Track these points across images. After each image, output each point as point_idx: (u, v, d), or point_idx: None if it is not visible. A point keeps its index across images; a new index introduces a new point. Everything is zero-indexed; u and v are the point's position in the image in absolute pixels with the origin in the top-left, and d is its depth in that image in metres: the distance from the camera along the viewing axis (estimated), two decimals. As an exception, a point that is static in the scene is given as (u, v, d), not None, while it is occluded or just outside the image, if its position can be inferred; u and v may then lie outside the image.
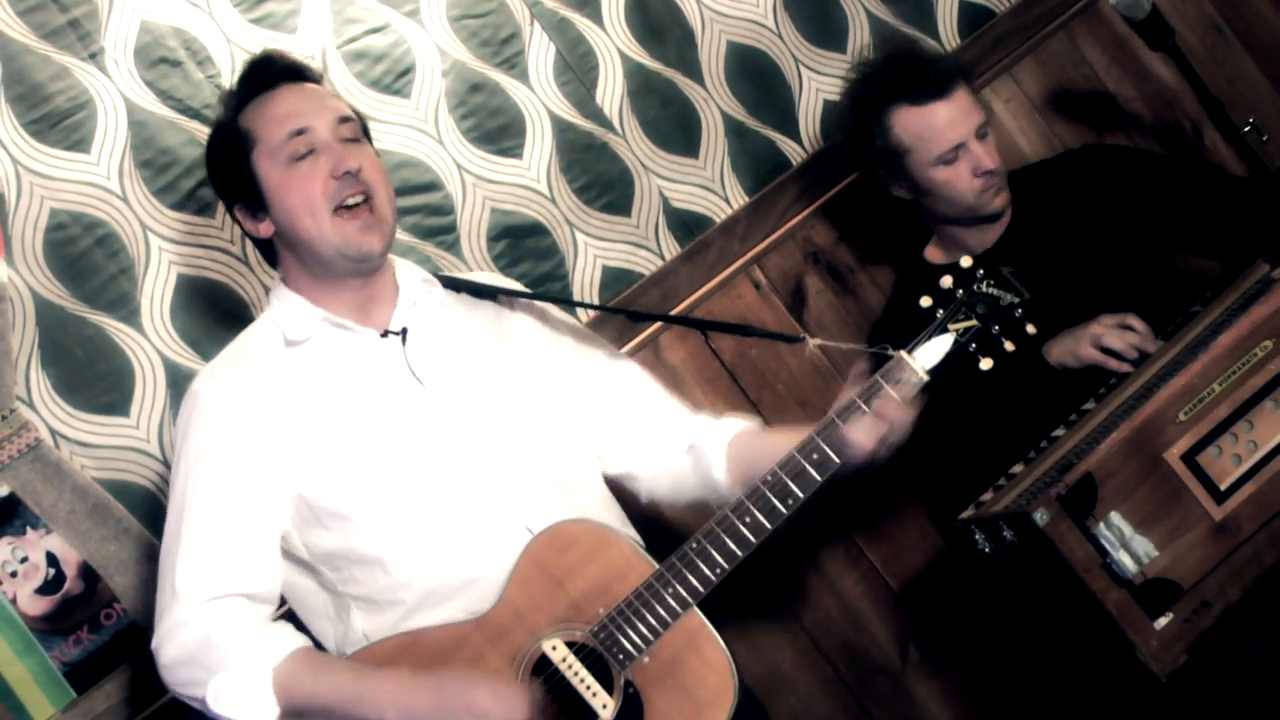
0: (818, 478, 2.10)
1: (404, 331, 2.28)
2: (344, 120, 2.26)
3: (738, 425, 2.38)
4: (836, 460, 2.09)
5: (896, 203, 2.88)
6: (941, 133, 2.72)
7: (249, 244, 2.66)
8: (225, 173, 2.29)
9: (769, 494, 2.10)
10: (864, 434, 2.08)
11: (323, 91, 2.30)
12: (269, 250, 2.32)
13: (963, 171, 2.73)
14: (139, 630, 2.57)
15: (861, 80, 2.83)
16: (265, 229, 2.26)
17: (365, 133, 2.31)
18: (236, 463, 2.16)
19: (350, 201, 2.21)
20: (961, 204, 2.76)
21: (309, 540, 2.19)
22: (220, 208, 2.64)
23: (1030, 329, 2.10)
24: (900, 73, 2.76)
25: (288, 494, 2.17)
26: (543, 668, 2.11)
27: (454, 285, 2.40)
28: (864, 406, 2.08)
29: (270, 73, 2.30)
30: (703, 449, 2.35)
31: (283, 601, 2.23)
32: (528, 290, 2.59)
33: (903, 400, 2.09)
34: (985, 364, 2.09)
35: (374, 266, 2.26)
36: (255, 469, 2.16)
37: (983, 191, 2.74)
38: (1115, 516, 2.08)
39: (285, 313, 2.28)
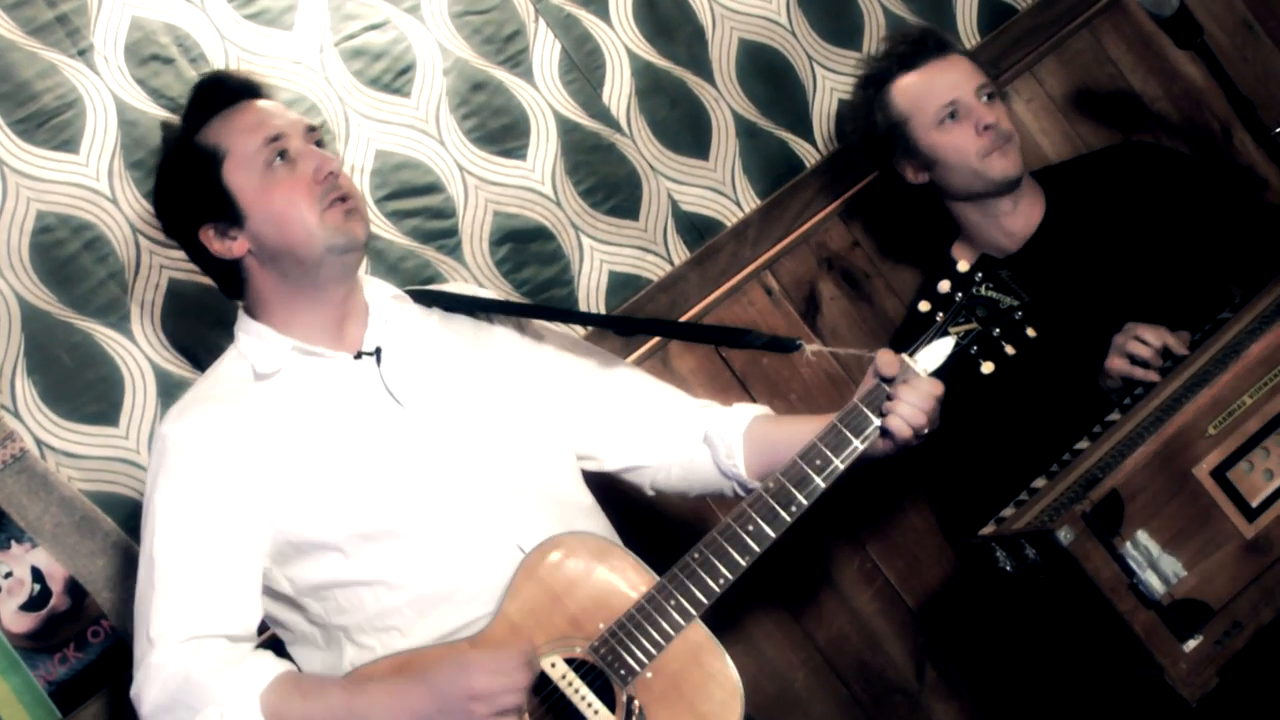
0: (822, 485, 2.08)
1: (378, 351, 2.23)
2: (310, 129, 2.24)
3: (752, 411, 2.35)
4: (841, 468, 2.08)
5: (916, 204, 2.82)
6: (936, 91, 2.71)
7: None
8: (188, 195, 2.21)
9: (772, 501, 2.07)
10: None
11: (282, 106, 2.29)
12: (231, 278, 2.25)
13: (965, 130, 2.69)
14: (127, 648, 2.51)
15: (866, 69, 2.85)
16: (239, 247, 2.19)
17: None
18: (209, 506, 2.10)
19: (334, 198, 2.19)
20: (967, 167, 2.69)
21: (292, 575, 2.14)
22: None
23: (1030, 332, 2.11)
24: (897, 47, 2.79)
25: (265, 532, 2.11)
26: (542, 686, 2.06)
27: (426, 299, 2.35)
28: (867, 412, 2.09)
29: (231, 88, 2.27)
30: (719, 439, 2.32)
31: (263, 628, 2.17)
32: (502, 301, 2.54)
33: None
34: (986, 368, 2.11)
35: (356, 261, 2.24)
36: (228, 511, 2.10)
37: (987, 152, 2.67)
38: (1142, 535, 2.02)
39: (252, 345, 2.22)
